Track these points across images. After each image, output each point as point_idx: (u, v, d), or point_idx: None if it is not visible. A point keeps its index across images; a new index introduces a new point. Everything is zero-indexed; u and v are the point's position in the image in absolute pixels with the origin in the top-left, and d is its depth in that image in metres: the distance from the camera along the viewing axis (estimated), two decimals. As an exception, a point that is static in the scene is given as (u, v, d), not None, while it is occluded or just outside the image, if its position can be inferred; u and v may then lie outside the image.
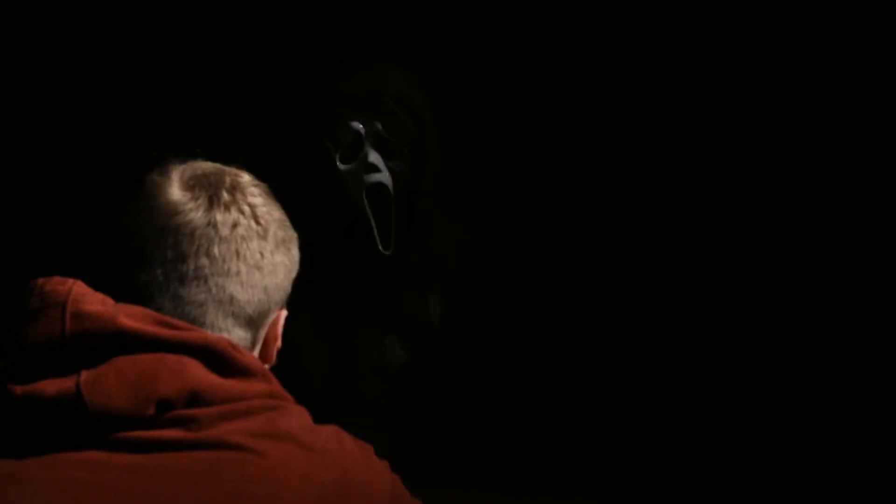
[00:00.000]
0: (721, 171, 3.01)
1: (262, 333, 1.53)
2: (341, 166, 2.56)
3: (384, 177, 2.56)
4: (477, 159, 3.07)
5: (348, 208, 2.56)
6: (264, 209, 1.51)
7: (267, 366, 1.56)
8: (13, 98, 3.24)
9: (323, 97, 2.64)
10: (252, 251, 1.48)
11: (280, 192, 1.58)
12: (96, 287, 1.44)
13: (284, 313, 1.56)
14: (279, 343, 1.56)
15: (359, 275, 2.61)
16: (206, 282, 1.45)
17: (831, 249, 2.94)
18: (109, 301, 1.42)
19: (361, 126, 2.56)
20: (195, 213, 1.47)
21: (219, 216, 1.47)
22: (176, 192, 1.48)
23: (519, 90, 3.12)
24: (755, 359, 2.94)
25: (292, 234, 1.56)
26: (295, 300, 1.57)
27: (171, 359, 1.37)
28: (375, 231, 2.55)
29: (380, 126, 2.56)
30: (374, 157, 2.55)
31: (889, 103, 2.90)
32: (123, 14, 3.22)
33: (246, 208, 1.49)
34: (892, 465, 2.76)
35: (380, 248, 2.55)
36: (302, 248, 1.58)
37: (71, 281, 1.42)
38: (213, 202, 1.48)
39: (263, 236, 1.50)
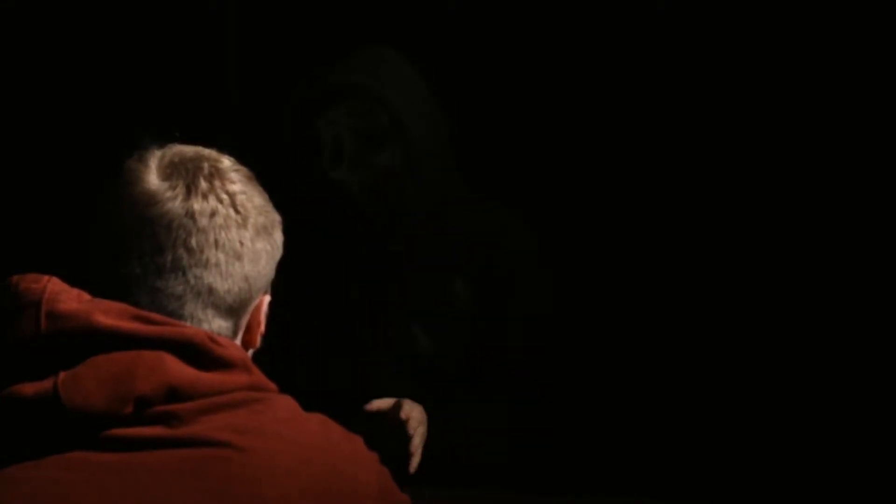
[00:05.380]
0: (720, 170, 2.97)
1: (245, 321, 1.51)
2: (325, 166, 2.49)
3: (368, 173, 2.47)
4: (480, 157, 3.04)
5: (345, 207, 2.49)
6: (244, 196, 1.48)
7: (251, 350, 1.55)
8: (12, 97, 3.22)
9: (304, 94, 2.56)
10: (231, 240, 1.46)
11: (279, 195, 1.55)
12: (75, 281, 1.43)
13: (268, 298, 1.54)
14: (263, 328, 1.55)
15: (367, 272, 2.54)
16: (184, 274, 1.43)
17: (831, 249, 2.91)
18: (85, 297, 1.40)
19: (336, 123, 2.48)
20: (172, 203, 1.44)
21: (196, 205, 1.44)
22: (153, 180, 1.46)
23: (519, 89, 3.07)
24: (772, 360, 2.93)
25: (274, 219, 1.53)
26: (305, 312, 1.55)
27: (148, 355, 1.36)
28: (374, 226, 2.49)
29: (353, 122, 2.46)
30: (354, 155, 2.47)
31: (889, 103, 2.86)
32: (123, 13, 3.19)
33: (224, 196, 1.46)
34: (892, 465, 2.75)
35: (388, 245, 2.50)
36: (286, 233, 1.56)
37: (46, 278, 1.40)
38: (190, 191, 1.45)
39: (243, 224, 1.47)
